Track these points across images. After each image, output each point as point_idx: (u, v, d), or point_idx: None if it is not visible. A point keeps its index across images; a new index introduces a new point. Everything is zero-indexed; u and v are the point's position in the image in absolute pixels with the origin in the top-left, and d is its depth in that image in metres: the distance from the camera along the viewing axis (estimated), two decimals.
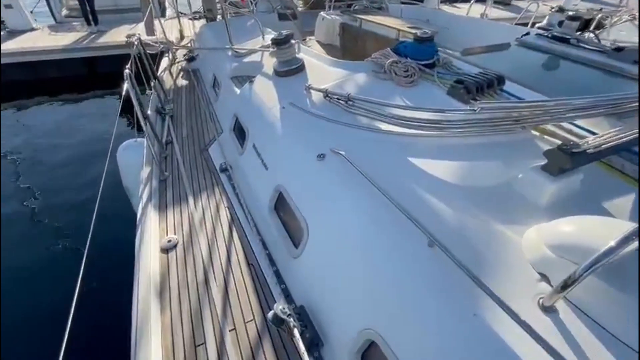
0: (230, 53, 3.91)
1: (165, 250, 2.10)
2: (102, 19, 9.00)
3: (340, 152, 1.76)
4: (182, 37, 6.80)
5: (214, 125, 3.44)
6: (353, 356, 1.36)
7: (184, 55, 5.49)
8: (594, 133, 1.67)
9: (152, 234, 2.18)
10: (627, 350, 0.92)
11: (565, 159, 1.34)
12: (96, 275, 2.94)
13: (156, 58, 5.14)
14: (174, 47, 5.62)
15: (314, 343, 1.52)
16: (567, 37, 2.97)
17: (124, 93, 2.51)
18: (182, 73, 5.10)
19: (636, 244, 0.83)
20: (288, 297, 1.75)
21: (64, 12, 10.32)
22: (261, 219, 2.18)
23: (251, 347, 1.64)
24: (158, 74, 4.55)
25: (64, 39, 8.28)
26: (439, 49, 2.55)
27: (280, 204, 2.07)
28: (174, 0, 6.31)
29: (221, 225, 2.27)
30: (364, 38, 4.81)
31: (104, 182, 2.26)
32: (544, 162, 1.44)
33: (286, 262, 1.87)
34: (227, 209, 2.40)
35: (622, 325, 0.95)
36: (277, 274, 1.86)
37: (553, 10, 4.28)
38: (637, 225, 0.82)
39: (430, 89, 2.27)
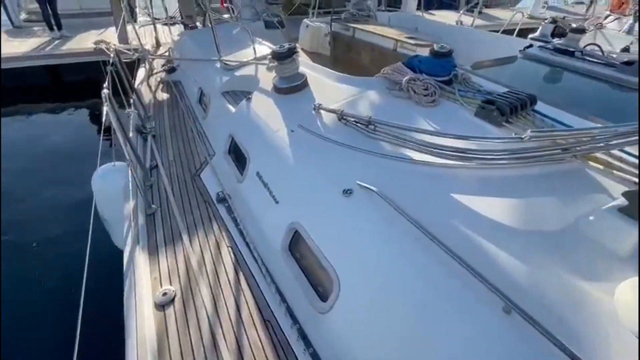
0: (218, 65, 3.58)
1: (161, 307, 1.76)
2: (66, 24, 8.29)
3: (372, 188, 1.52)
4: (158, 45, 6.32)
5: (204, 145, 3.10)
6: None
7: (162, 66, 5.06)
8: None
9: (144, 285, 1.83)
10: None
11: None
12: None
13: (132, 68, 4.71)
14: (151, 56, 5.17)
15: None
16: (572, 49, 2.92)
17: (104, 116, 2.15)
18: (161, 85, 4.65)
19: None
20: None
21: (23, 16, 9.50)
22: (273, 262, 1.89)
23: None
24: (135, 87, 4.13)
25: (22, 45, 7.57)
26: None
27: (296, 245, 1.79)
28: (149, 4, 5.86)
29: (225, 269, 1.95)
30: (358, 48, 4.63)
31: (76, 213, 1.87)
32: (614, 200, 1.27)
33: (311, 318, 1.60)
34: (229, 248, 2.08)
35: None
36: (301, 333, 1.58)
37: (546, 21, 4.28)
38: None
39: (454, 110, 2.09)
